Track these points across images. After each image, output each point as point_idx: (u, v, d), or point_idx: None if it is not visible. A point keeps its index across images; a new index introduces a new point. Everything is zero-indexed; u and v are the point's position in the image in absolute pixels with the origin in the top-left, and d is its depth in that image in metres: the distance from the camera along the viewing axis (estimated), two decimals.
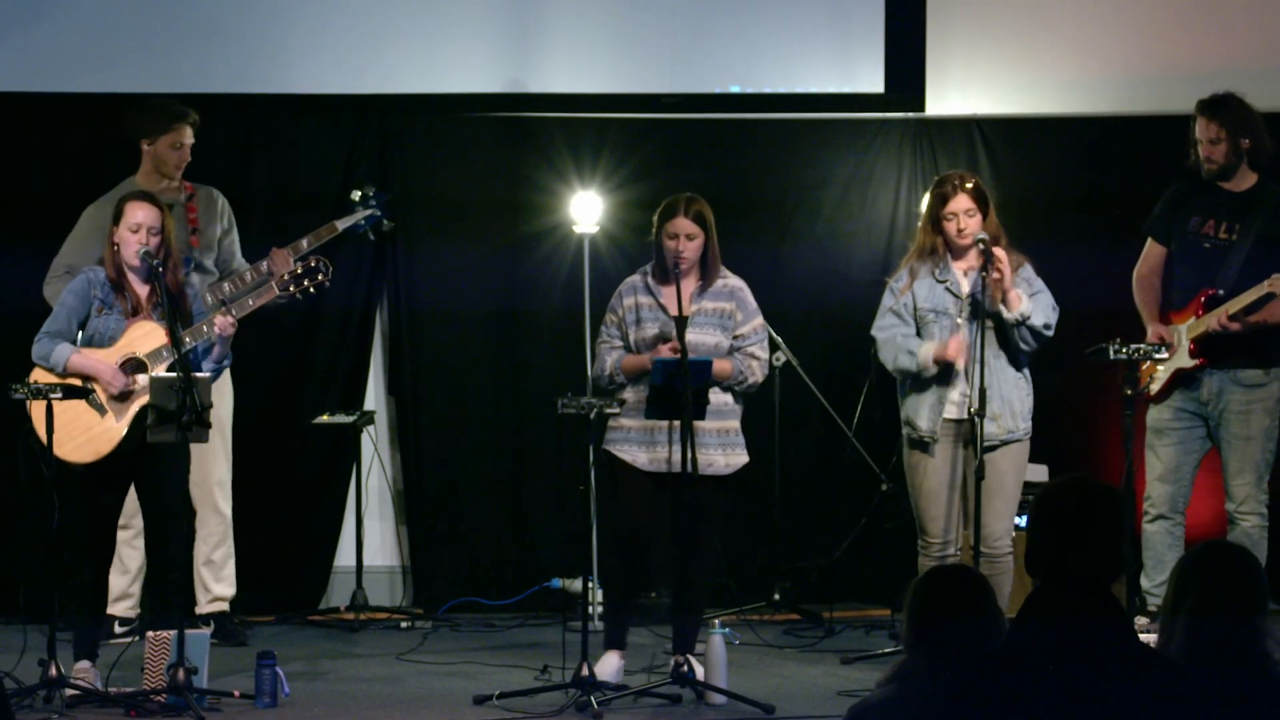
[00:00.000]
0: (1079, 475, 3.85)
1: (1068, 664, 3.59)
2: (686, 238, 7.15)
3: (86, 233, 7.90)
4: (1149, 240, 8.01)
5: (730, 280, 7.29)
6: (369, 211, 8.00)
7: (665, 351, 7.07)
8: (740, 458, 7.24)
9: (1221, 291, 7.69)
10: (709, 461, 7.12)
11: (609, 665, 7.09)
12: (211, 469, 8.10)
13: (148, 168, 8.05)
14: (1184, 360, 7.66)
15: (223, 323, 6.92)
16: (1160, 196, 7.95)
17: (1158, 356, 7.37)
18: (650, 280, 7.26)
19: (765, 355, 7.32)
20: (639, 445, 7.15)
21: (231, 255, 8.06)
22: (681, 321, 6.99)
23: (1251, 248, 7.72)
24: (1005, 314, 7.15)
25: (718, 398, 7.16)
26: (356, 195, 8.05)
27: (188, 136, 8.03)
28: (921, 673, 3.92)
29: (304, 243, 7.85)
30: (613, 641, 7.17)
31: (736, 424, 7.25)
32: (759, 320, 7.29)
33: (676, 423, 6.93)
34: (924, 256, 7.33)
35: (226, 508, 8.18)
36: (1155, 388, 7.84)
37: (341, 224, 7.92)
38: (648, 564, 7.31)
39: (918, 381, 7.28)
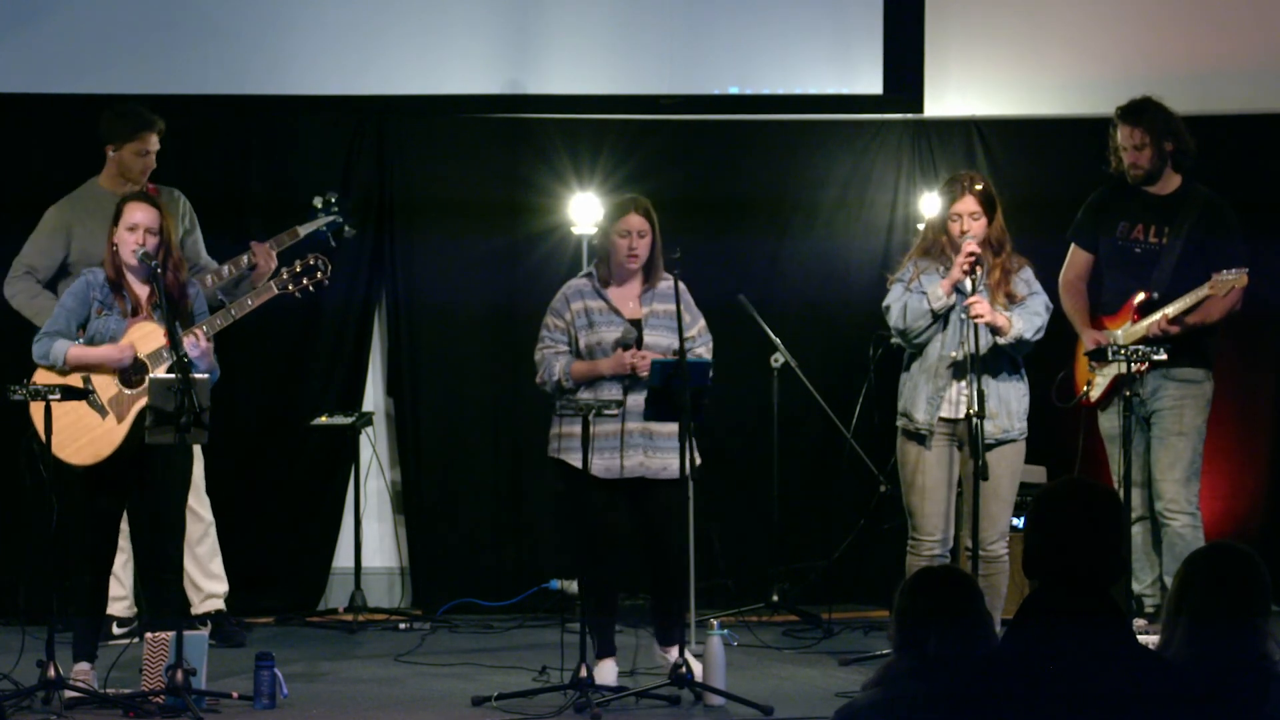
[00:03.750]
0: (1077, 477, 3.87)
1: (1066, 665, 3.59)
2: (638, 235, 7.17)
3: (48, 232, 7.94)
4: (1073, 247, 8.05)
5: (671, 281, 7.22)
6: (330, 218, 8.10)
7: (628, 359, 7.05)
8: (692, 458, 7.08)
9: (1156, 295, 7.72)
10: (664, 465, 7.11)
11: (606, 672, 7.05)
12: None
13: (112, 170, 8.03)
14: (1121, 365, 7.52)
15: (189, 344, 6.84)
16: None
17: (1156, 358, 7.35)
18: (596, 284, 7.25)
19: (710, 356, 7.24)
20: (592, 452, 7.00)
21: (196, 255, 7.98)
22: (638, 324, 7.10)
23: (1183, 250, 7.77)
24: (999, 340, 7.15)
25: None
26: (318, 202, 8.13)
27: (153, 144, 8.00)
28: (909, 675, 3.92)
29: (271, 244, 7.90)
30: (604, 650, 7.12)
31: None
32: (703, 321, 7.27)
33: (623, 428, 6.99)
34: (928, 254, 7.32)
35: (202, 508, 8.07)
36: (1095, 394, 7.85)
37: (303, 229, 8.01)
38: (618, 568, 7.27)
39: (921, 367, 7.26)
